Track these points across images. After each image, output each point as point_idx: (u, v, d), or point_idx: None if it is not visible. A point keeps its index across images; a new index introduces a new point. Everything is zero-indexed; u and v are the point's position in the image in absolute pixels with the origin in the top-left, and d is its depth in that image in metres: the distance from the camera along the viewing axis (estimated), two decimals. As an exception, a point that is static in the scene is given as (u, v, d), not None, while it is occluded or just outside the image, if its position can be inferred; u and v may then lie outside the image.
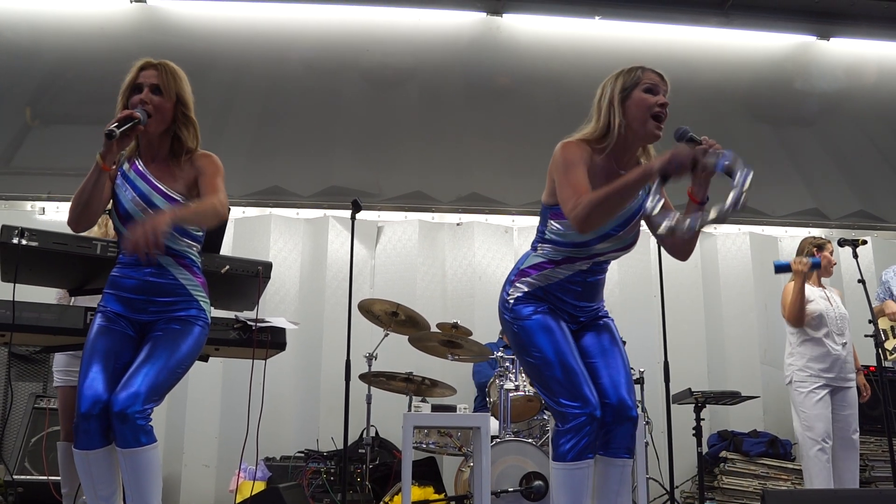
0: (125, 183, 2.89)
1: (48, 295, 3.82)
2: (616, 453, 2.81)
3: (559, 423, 2.76)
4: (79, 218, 2.83)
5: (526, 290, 2.89)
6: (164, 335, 2.83)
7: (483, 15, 7.04)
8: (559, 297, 2.89)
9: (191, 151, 2.95)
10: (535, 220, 7.27)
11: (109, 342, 2.79)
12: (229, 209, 3.04)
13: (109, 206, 3.24)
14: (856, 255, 5.20)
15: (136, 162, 2.93)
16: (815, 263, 4.93)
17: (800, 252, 5.19)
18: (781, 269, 5.02)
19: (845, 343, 4.96)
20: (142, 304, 2.87)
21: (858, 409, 5.05)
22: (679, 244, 2.92)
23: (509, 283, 2.94)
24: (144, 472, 2.69)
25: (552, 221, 2.88)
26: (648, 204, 2.51)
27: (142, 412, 2.67)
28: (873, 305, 5.43)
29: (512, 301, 2.90)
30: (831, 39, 7.42)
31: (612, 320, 3.02)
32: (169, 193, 2.88)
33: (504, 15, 7.05)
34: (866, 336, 5.16)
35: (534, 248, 2.97)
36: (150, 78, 2.87)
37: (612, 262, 7.32)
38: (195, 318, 2.91)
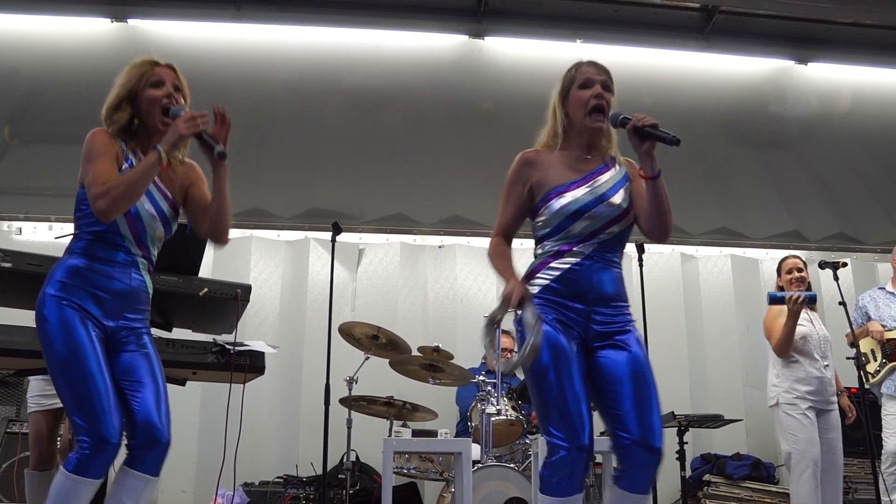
0: None
1: (22, 317, 3.74)
2: (632, 487, 2.67)
3: (547, 453, 2.67)
4: (122, 208, 2.67)
5: (536, 291, 2.80)
6: (148, 356, 2.76)
7: (465, 38, 7.08)
8: (571, 305, 2.77)
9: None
10: (517, 243, 7.28)
11: (101, 355, 2.63)
12: None
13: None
14: (836, 278, 5.21)
15: (141, 157, 2.83)
16: (810, 299, 4.90)
17: (779, 272, 5.18)
18: (776, 301, 4.98)
19: (827, 365, 4.95)
20: (118, 310, 2.72)
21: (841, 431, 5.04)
22: (650, 223, 2.84)
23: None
24: (146, 500, 2.68)
25: (539, 216, 2.90)
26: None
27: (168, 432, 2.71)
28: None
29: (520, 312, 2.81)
30: (809, 64, 7.52)
31: (640, 337, 2.86)
32: (169, 195, 2.86)
33: (486, 38, 7.09)
34: (848, 359, 5.15)
35: (535, 255, 2.93)
36: (171, 77, 2.86)
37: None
38: (149, 331, 2.86)
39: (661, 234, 2.86)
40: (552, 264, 2.82)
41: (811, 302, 4.90)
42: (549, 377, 2.68)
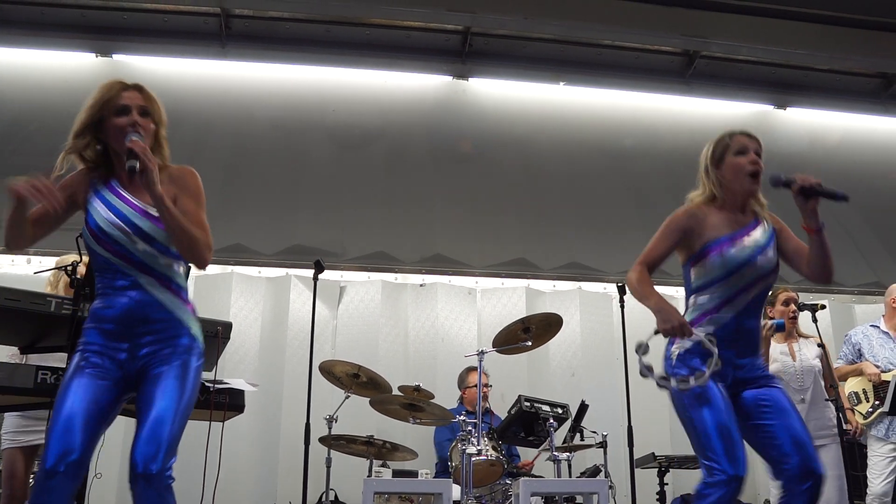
0: (101, 204, 2.74)
1: (-1, 352, 3.72)
2: None
3: (705, 475, 2.85)
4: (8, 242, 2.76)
5: (688, 345, 2.97)
6: (163, 377, 2.59)
7: (449, 78, 7.16)
8: (722, 353, 2.93)
9: (163, 168, 2.81)
10: (498, 282, 7.26)
11: (87, 385, 2.53)
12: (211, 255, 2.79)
13: (73, 260, 3.14)
14: (815, 320, 5.21)
15: (112, 182, 2.80)
16: (778, 326, 4.91)
17: (773, 303, 5.15)
18: None
19: (803, 399, 4.86)
20: (126, 335, 2.64)
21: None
22: (816, 269, 3.11)
23: (671, 342, 3.04)
24: None
25: (698, 267, 3.07)
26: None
27: (168, 469, 2.50)
28: (837, 365, 5.42)
29: (674, 359, 3.02)
30: (788, 109, 7.66)
31: (781, 388, 3.07)
32: (150, 212, 2.71)
33: (470, 79, 7.17)
34: (826, 400, 5.15)
35: (689, 305, 3.12)
36: (136, 100, 2.80)
37: (575, 325, 7.29)
38: (189, 350, 2.69)
39: (828, 278, 3.15)
40: (712, 316, 3.01)
41: (779, 329, 4.91)
42: (715, 406, 2.87)
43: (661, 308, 2.91)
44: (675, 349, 3.01)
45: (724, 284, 3.00)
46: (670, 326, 2.87)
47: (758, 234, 3.10)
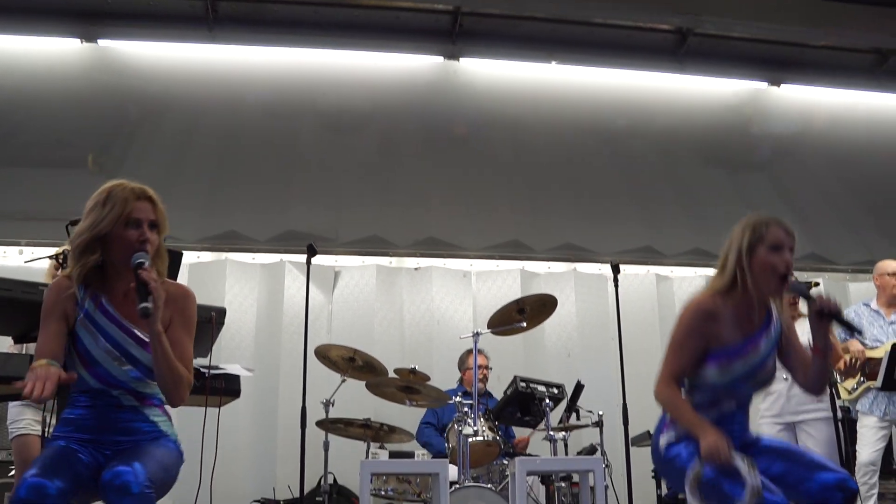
0: (91, 326, 2.61)
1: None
2: None
3: None
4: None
5: (676, 433, 2.89)
6: (143, 444, 2.58)
7: (440, 59, 7.12)
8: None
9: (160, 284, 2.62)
10: (493, 265, 7.22)
11: (74, 456, 2.49)
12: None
13: (62, 249, 3.11)
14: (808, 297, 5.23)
15: (102, 300, 2.65)
16: None
17: None
18: None
19: (786, 378, 4.88)
20: (110, 443, 2.58)
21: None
22: (813, 383, 3.00)
23: (659, 432, 2.96)
24: None
25: (698, 371, 2.92)
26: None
27: (144, 482, 2.32)
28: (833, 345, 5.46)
29: (664, 447, 2.93)
30: (782, 86, 7.64)
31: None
32: (144, 339, 2.61)
33: (461, 59, 7.13)
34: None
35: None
36: (148, 213, 2.63)
37: (570, 305, 7.29)
38: (172, 442, 2.69)
39: (821, 393, 3.16)
40: (704, 415, 2.86)
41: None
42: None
43: (706, 431, 2.72)
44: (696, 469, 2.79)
45: (724, 391, 2.89)
46: (715, 452, 2.66)
47: (765, 342, 2.93)
